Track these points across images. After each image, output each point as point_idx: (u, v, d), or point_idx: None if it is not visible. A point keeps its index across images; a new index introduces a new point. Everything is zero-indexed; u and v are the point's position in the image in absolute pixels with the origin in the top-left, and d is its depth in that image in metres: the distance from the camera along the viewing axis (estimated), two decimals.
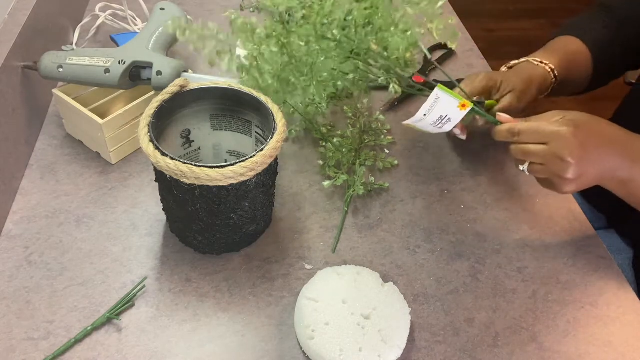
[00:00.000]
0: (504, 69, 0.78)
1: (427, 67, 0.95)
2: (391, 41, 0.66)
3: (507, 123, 0.62)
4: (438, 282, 0.64)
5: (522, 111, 0.70)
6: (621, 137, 0.60)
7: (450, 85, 0.67)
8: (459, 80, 0.89)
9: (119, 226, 0.66)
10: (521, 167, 0.61)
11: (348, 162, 0.75)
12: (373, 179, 0.74)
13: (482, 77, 0.72)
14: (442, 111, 0.63)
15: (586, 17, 0.83)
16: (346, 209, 0.70)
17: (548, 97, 0.77)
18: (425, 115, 0.63)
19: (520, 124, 0.60)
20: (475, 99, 0.70)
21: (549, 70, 0.74)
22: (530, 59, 0.76)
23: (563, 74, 0.75)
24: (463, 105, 0.63)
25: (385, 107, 0.86)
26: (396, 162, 0.77)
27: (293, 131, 0.79)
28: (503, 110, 0.69)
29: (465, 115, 0.64)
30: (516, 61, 0.77)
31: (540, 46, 0.82)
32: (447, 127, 0.65)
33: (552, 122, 0.58)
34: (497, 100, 0.71)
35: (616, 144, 0.59)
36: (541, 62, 0.74)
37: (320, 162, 0.76)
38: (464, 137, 0.72)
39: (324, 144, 0.76)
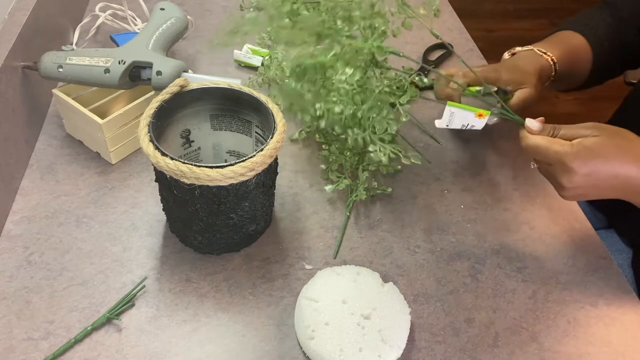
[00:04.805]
0: (507, 55, 0.77)
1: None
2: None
3: (531, 134, 0.60)
4: (438, 282, 0.64)
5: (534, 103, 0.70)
6: None
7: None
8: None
9: (119, 226, 0.66)
10: (532, 165, 0.62)
11: (351, 166, 0.74)
12: (376, 183, 0.74)
13: (481, 70, 0.70)
14: (463, 121, 0.65)
15: (588, 14, 0.83)
16: (348, 214, 0.70)
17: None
18: (447, 125, 0.66)
19: (534, 139, 0.59)
20: (495, 89, 0.69)
21: (551, 62, 0.74)
22: (534, 48, 0.75)
23: (563, 68, 0.75)
24: (480, 115, 0.64)
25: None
26: (399, 167, 0.76)
27: (303, 132, 0.79)
28: (521, 104, 0.69)
29: (489, 118, 0.65)
30: (520, 48, 0.77)
31: None
32: (478, 127, 0.66)
33: (563, 146, 0.56)
34: (512, 94, 0.71)
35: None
36: (545, 53, 0.74)
37: (323, 167, 0.75)
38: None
39: (327, 147, 0.76)
